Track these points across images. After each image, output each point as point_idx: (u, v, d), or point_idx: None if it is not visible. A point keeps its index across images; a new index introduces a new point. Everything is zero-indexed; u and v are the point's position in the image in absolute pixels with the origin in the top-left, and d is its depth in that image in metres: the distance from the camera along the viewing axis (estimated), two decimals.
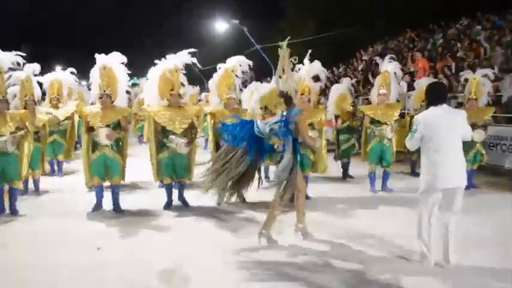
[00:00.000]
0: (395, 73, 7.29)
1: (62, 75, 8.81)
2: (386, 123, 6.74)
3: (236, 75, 6.29)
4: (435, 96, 3.93)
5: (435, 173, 3.75)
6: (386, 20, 22.94)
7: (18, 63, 5.96)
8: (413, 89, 8.79)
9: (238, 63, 6.34)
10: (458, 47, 13.36)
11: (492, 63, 10.36)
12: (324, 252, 4.28)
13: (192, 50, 5.97)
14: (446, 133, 3.75)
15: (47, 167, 7.85)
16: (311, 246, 4.43)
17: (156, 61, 5.97)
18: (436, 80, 9.74)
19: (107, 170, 5.66)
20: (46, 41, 47.27)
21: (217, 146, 5.95)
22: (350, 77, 15.68)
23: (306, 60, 6.52)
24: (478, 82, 7.10)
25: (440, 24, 17.49)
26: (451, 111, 3.98)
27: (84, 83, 11.02)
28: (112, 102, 5.74)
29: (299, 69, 6.31)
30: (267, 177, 7.72)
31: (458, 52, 12.89)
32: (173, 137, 5.67)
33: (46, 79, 8.28)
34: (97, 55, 5.87)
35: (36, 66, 6.69)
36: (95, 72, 5.84)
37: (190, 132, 5.83)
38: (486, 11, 15.55)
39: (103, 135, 5.46)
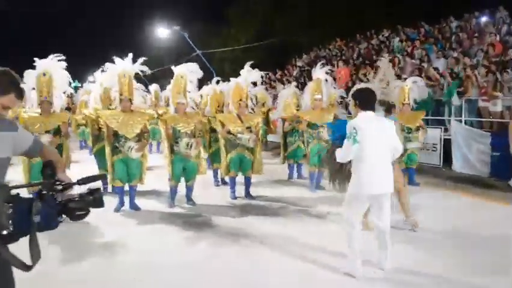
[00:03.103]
0: (326, 79, 7.91)
1: None
2: (322, 126, 7.17)
3: (190, 81, 6.39)
4: (365, 101, 3.83)
5: (364, 178, 3.68)
6: (321, 29, 24.58)
7: None
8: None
9: (187, 69, 6.41)
10: (377, 57, 14.97)
11: (403, 72, 11.94)
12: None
13: (143, 58, 6.14)
14: (377, 139, 3.68)
15: None
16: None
17: (108, 65, 6.02)
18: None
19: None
20: None
21: (171, 149, 6.08)
22: (284, 82, 16.86)
23: (246, 67, 7.05)
24: (410, 89, 7.80)
25: (366, 35, 19.19)
26: (379, 118, 3.93)
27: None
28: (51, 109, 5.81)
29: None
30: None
31: (377, 62, 14.45)
32: (127, 142, 5.70)
33: None
34: (37, 60, 5.78)
35: None
36: (32, 76, 5.77)
37: (142, 137, 5.90)
38: (406, 24, 17.15)
39: (44, 141, 5.64)
